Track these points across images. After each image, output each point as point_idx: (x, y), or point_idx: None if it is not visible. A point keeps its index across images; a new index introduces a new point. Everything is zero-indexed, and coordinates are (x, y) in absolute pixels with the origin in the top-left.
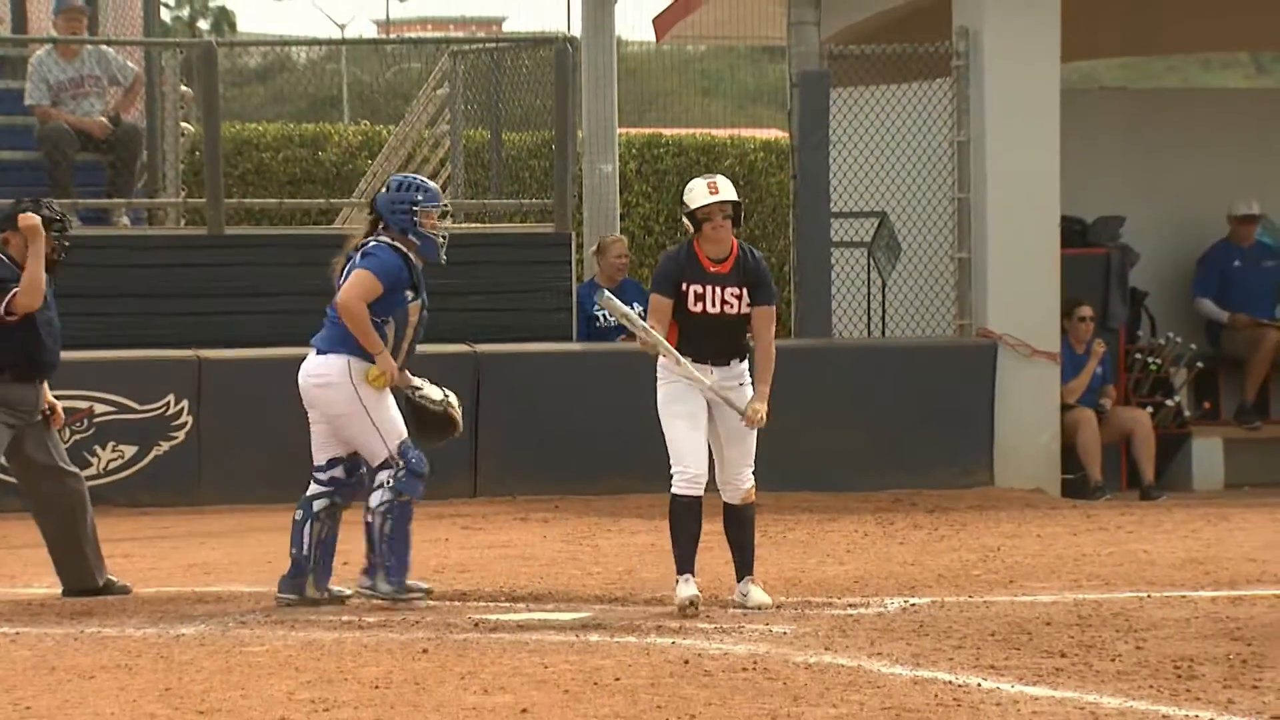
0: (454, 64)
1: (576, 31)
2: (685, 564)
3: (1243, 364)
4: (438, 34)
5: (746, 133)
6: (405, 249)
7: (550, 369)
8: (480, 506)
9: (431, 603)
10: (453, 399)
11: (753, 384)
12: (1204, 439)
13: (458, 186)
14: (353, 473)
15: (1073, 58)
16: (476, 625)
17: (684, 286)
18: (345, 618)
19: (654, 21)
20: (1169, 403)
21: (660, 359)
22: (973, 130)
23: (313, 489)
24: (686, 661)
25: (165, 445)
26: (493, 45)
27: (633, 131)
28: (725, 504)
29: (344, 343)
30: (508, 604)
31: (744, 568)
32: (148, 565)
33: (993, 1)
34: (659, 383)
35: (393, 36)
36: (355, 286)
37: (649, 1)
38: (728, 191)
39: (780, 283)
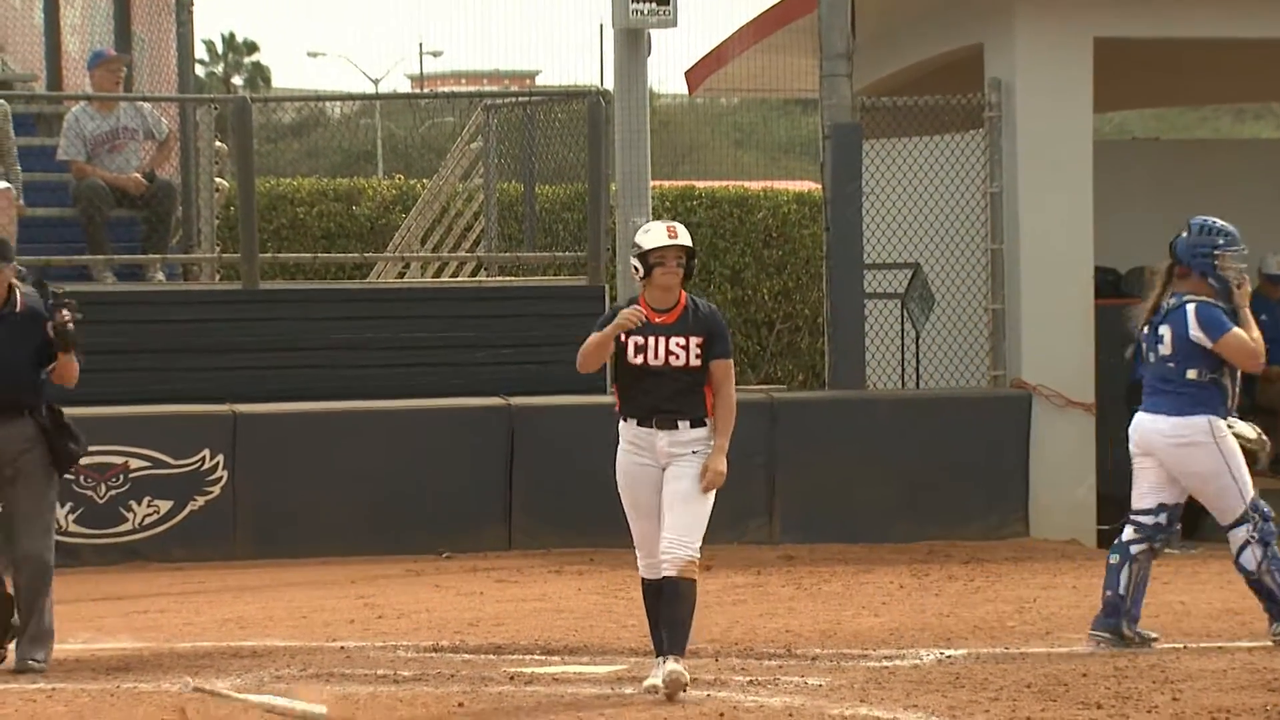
0: (488, 118)
1: (609, 85)
2: (657, 647)
3: (1277, 415)
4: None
5: (779, 185)
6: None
7: (584, 421)
8: (515, 559)
9: (466, 656)
10: (1259, 434)
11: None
12: None
13: (491, 240)
14: (1173, 520)
15: (1105, 109)
16: (511, 679)
17: (623, 338)
18: (380, 671)
19: (687, 74)
20: None
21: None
22: (1006, 181)
23: (1130, 533)
24: (722, 715)
25: (200, 500)
26: (526, 99)
27: (666, 184)
28: (664, 577)
29: (1203, 403)
30: (543, 657)
31: (672, 645)
32: (183, 620)
33: (1025, 53)
34: (618, 462)
35: (426, 91)
36: (1240, 347)
37: (682, 54)
38: (685, 238)
39: (814, 334)
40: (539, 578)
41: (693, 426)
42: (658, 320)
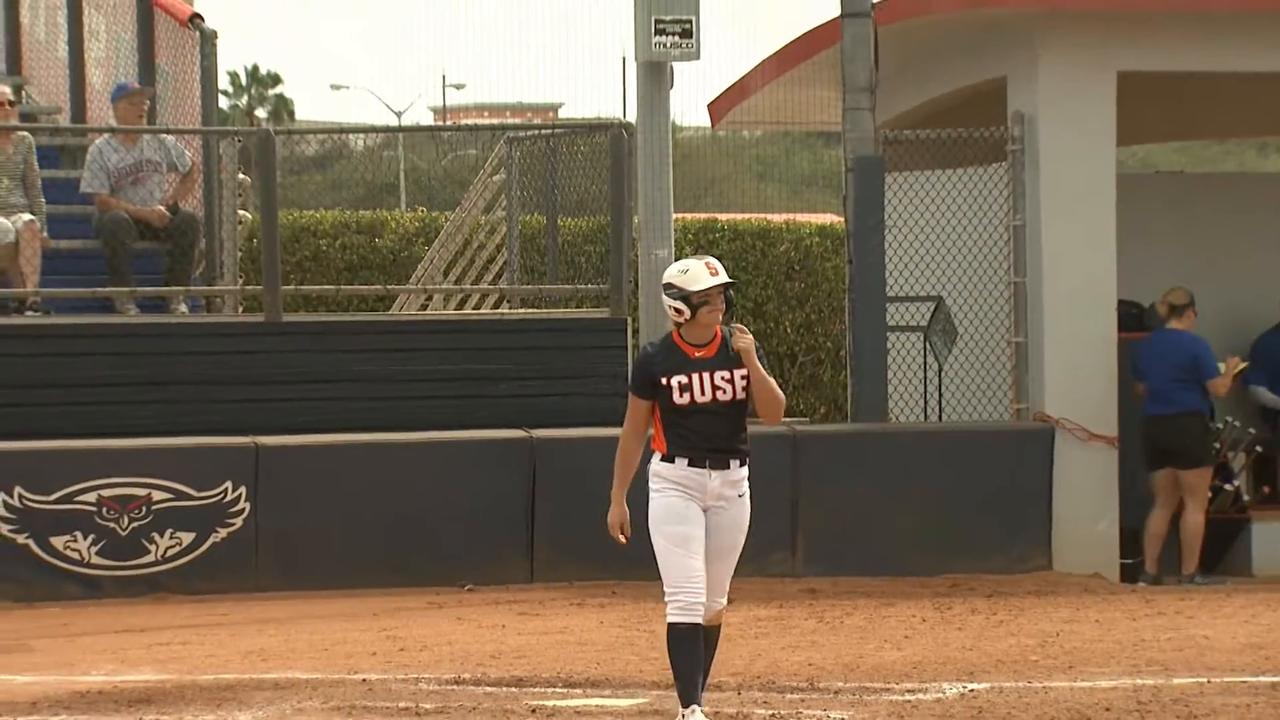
0: (510, 150)
1: (632, 117)
2: (690, 695)
3: None
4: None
5: (802, 218)
6: None
7: (605, 454)
8: (537, 592)
9: (488, 689)
10: None
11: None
12: (1264, 523)
13: (514, 272)
14: None
15: (1129, 142)
16: (534, 711)
17: (665, 381)
18: (402, 704)
19: (709, 107)
20: (1228, 487)
21: (652, 465)
22: (1029, 214)
23: None
24: None
25: (223, 532)
26: (548, 131)
27: (688, 217)
28: (696, 621)
29: None
30: (564, 690)
31: (702, 690)
32: (205, 652)
33: (1048, 86)
34: (652, 493)
35: (449, 124)
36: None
37: (704, 87)
38: (723, 273)
39: (836, 367)
40: (561, 610)
41: (740, 465)
42: (698, 355)
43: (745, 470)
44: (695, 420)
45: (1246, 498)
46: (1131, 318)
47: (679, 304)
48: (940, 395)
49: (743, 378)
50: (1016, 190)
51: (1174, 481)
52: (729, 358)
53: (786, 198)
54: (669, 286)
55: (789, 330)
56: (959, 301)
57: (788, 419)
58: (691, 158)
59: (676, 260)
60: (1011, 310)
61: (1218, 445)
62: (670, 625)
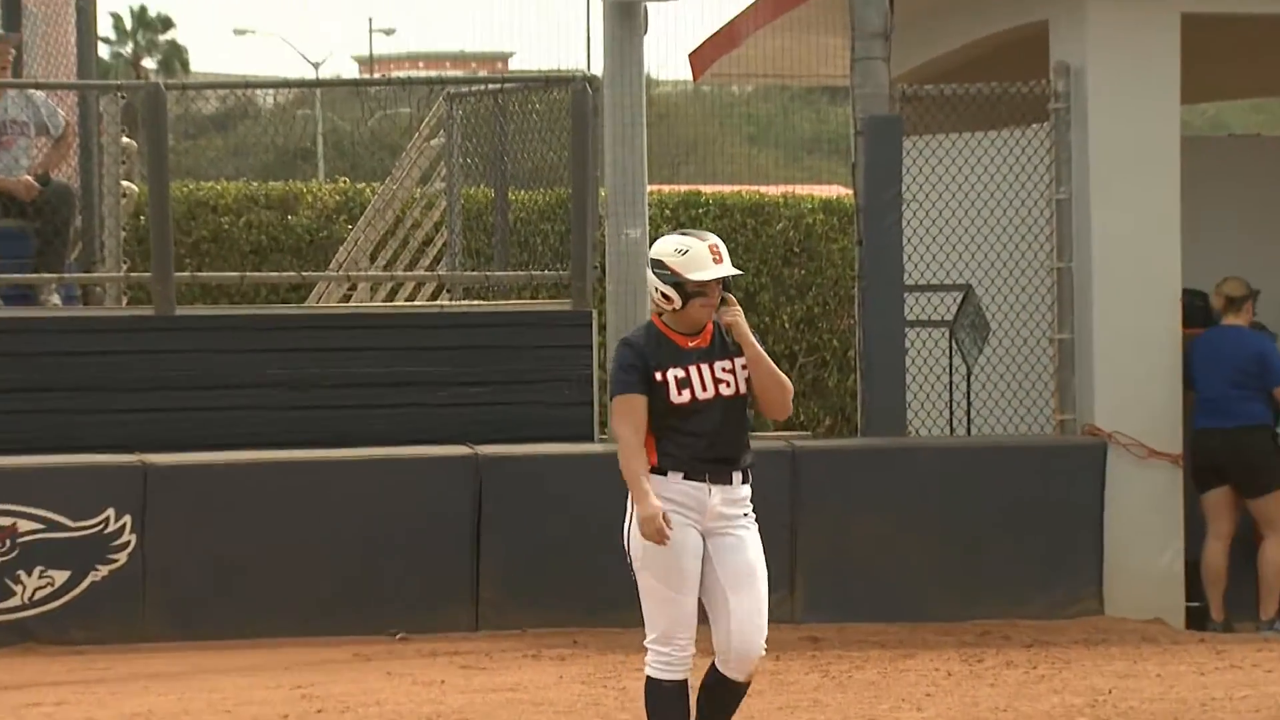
0: (451, 109)
1: (598, 69)
2: None
3: None
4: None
5: (802, 189)
6: None
7: (568, 475)
8: (483, 642)
9: None
10: None
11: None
12: None
13: (455, 256)
14: None
15: (1196, 99)
16: None
17: (659, 377)
18: None
19: (690, 57)
20: None
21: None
22: (1075, 186)
23: None
24: None
25: (103, 570)
26: (497, 87)
27: (665, 189)
28: (718, 677)
29: None
30: None
31: None
32: (83, 714)
33: (1099, 32)
34: (635, 518)
35: (377, 77)
36: None
37: (685, 33)
38: (728, 259)
39: (844, 370)
40: (512, 663)
41: (744, 480)
42: (691, 345)
43: (749, 490)
44: (695, 423)
45: None
46: (1198, 310)
47: (669, 290)
48: (969, 404)
49: (743, 367)
50: (1060, 157)
51: (1229, 503)
52: (726, 345)
53: (784, 166)
54: (659, 265)
55: (787, 326)
56: (991, 291)
57: (785, 432)
58: (670, 118)
59: (669, 235)
60: (1054, 302)
61: None
62: (650, 681)
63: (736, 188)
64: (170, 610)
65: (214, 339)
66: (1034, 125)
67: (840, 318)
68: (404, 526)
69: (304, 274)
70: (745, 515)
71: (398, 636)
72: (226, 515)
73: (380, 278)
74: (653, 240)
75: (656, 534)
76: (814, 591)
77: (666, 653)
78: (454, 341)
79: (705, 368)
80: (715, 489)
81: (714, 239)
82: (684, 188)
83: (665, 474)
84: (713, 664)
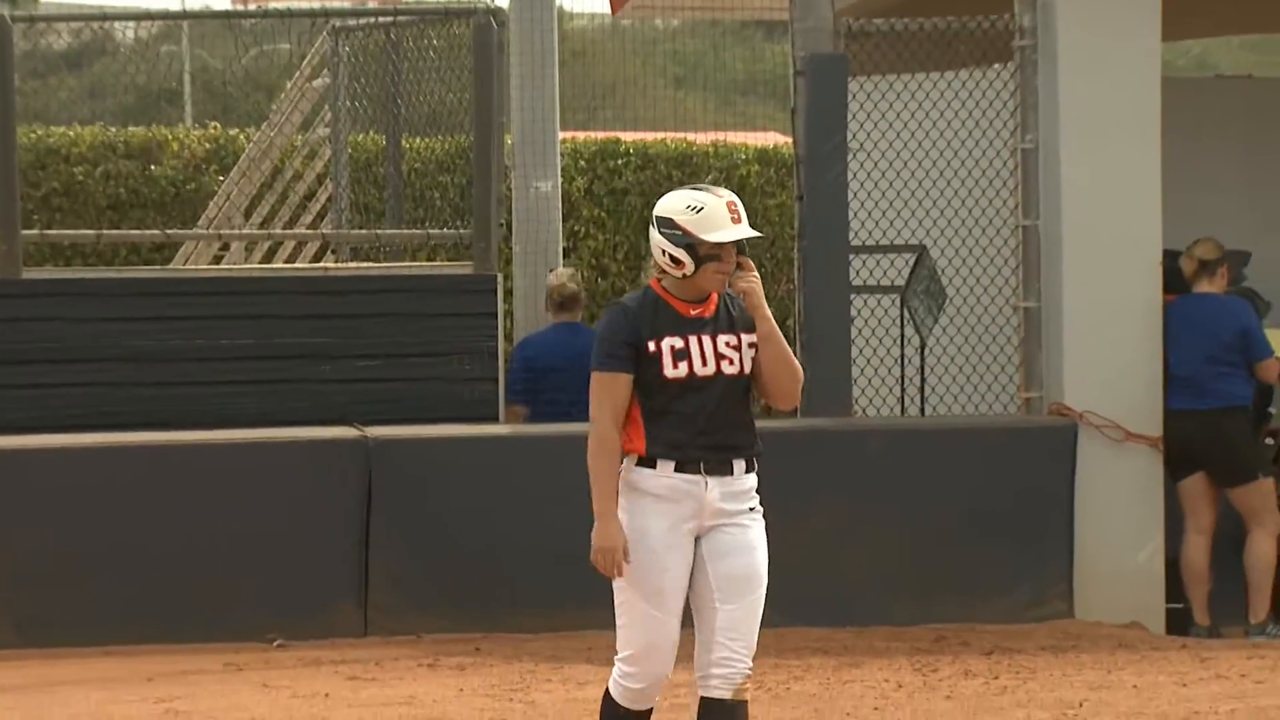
0: (336, 45)
1: (504, 1)
2: None
3: None
4: (314, 4)
5: (735, 137)
6: None
7: (469, 461)
8: (373, 649)
9: None
10: None
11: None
12: None
13: (341, 212)
14: None
15: (1179, 36)
16: None
17: (654, 346)
18: None
19: None
20: None
21: (620, 473)
22: (1042, 135)
23: None
24: None
25: None
26: (389, 20)
27: (580, 136)
28: (704, 700)
29: None
30: None
31: None
32: None
33: None
34: (632, 509)
35: (252, 9)
36: None
37: None
38: (746, 218)
39: None
40: (406, 673)
41: (747, 469)
42: (694, 313)
43: (752, 478)
44: (689, 402)
45: None
46: (1180, 275)
47: (680, 253)
48: (922, 380)
49: (751, 345)
50: (1026, 102)
51: (1207, 491)
52: (733, 317)
53: (714, 110)
54: (667, 224)
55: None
56: (949, 253)
57: None
58: (585, 56)
59: (679, 190)
60: (1019, 265)
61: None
62: (609, 702)
63: (661, 135)
64: (13, 615)
65: (66, 305)
66: (996, 65)
67: (778, 282)
68: (282, 519)
69: (169, 232)
70: (750, 510)
71: (275, 643)
72: (78, 506)
73: (256, 237)
74: (565, 195)
75: (610, 568)
76: None
77: (634, 675)
78: (340, 309)
79: (707, 339)
80: (713, 481)
81: (730, 195)
82: (601, 135)
83: (654, 464)
84: (700, 695)
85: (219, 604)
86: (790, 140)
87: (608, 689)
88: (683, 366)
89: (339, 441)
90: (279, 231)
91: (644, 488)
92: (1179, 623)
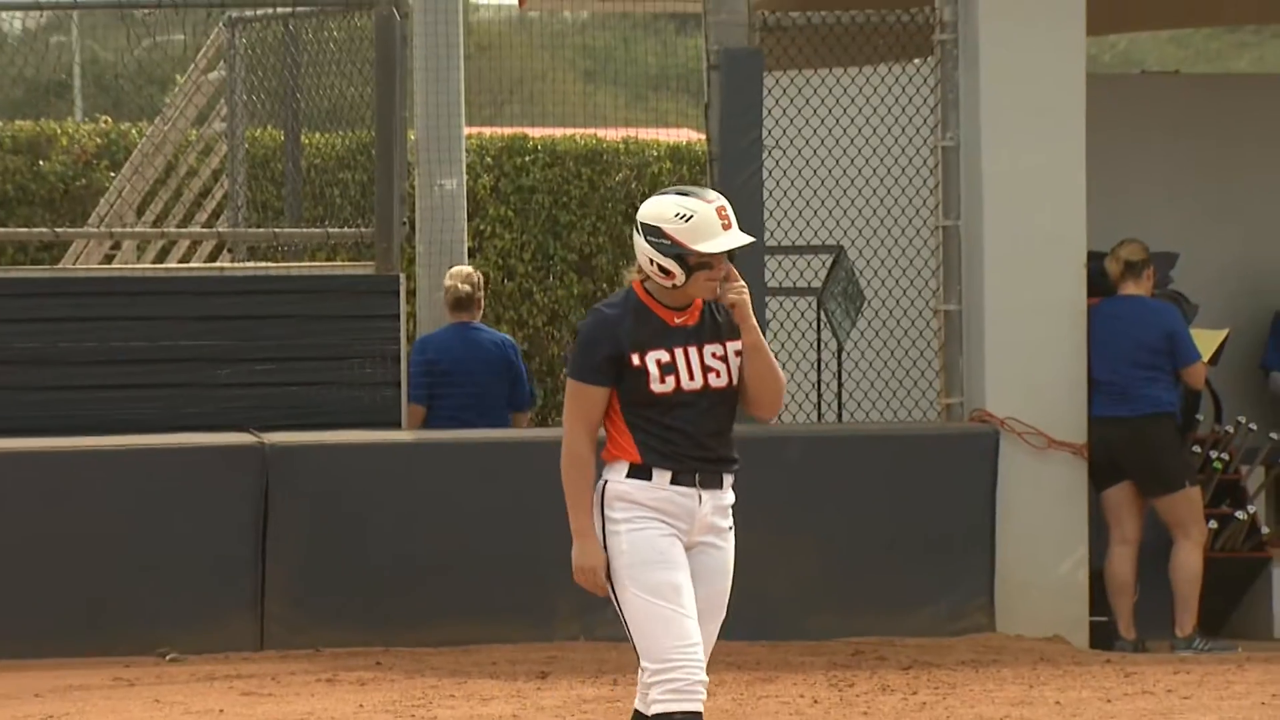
0: (233, 36)
1: None
2: None
3: None
4: None
5: (646, 134)
6: None
7: (370, 469)
8: (269, 664)
9: None
10: None
11: None
12: None
13: (238, 210)
14: None
15: (1104, 30)
16: None
17: (638, 359)
18: None
19: None
20: (1240, 515)
21: (611, 485)
22: (963, 132)
23: None
24: None
25: None
26: (288, 10)
27: (487, 132)
28: (653, 717)
29: None
30: None
31: None
32: None
33: None
34: (615, 526)
35: None
36: None
37: None
38: (737, 225)
39: None
40: (304, 688)
41: (732, 483)
42: (678, 322)
43: (733, 495)
44: (678, 417)
45: (1266, 530)
46: (1105, 277)
47: (669, 263)
48: (840, 385)
49: (737, 354)
50: (947, 98)
51: (1132, 501)
52: (718, 325)
53: (625, 106)
54: (655, 233)
55: None
56: (867, 254)
57: None
58: (491, 49)
59: (664, 194)
60: (939, 267)
61: (1225, 456)
62: (661, 719)
63: (570, 131)
64: None
65: None
66: (916, 60)
67: None
68: (176, 528)
69: (58, 230)
70: (729, 529)
71: (168, 657)
72: None
73: (149, 235)
74: (471, 194)
75: (595, 587)
76: None
77: (677, 679)
78: (236, 311)
79: (693, 351)
80: (705, 495)
81: (719, 199)
82: (508, 130)
83: (649, 476)
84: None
85: (109, 616)
86: (703, 137)
87: (654, 716)
88: (670, 381)
89: (235, 448)
90: (173, 230)
91: (639, 499)
92: (1103, 636)
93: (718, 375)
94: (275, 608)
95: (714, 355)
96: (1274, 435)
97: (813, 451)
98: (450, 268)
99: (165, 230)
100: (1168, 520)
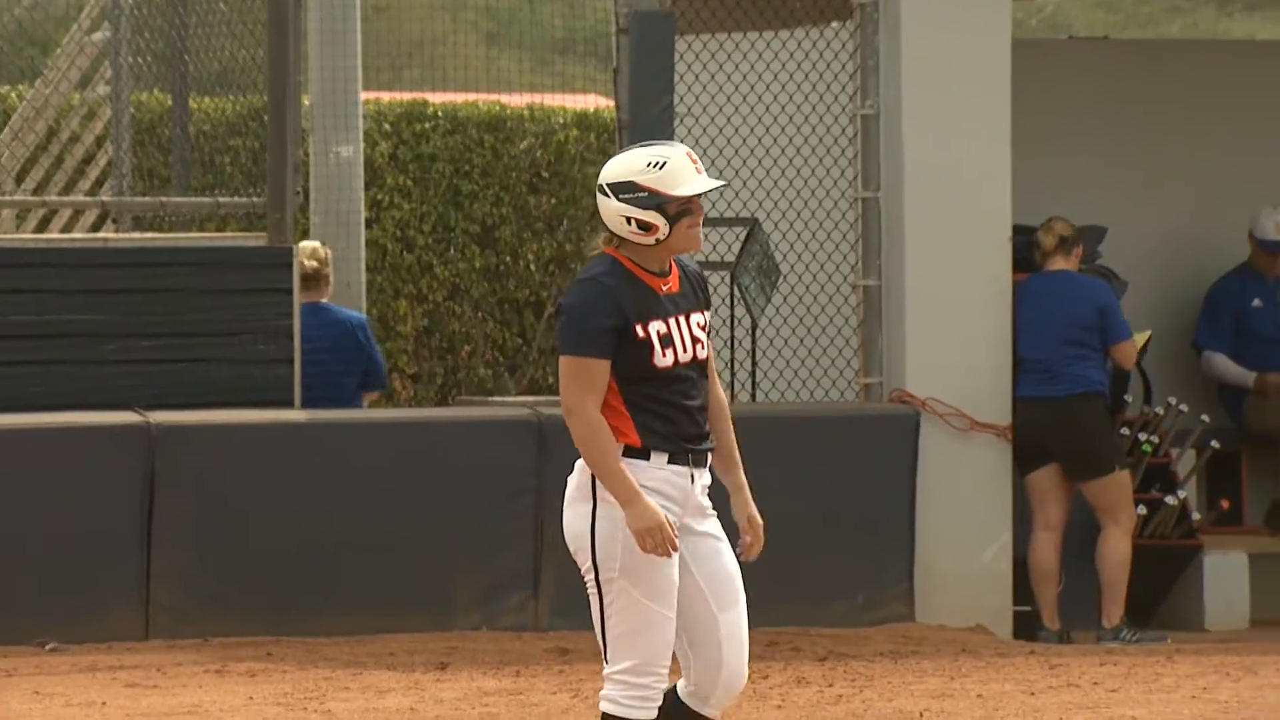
0: None
1: None
2: None
3: (1277, 444)
4: None
5: (552, 100)
6: None
7: (262, 450)
8: (155, 654)
9: None
10: None
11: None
12: (1221, 553)
13: (123, 177)
14: None
15: None
16: None
17: (640, 331)
18: None
19: None
20: (1170, 500)
21: (587, 478)
22: (883, 100)
23: None
24: None
25: None
26: None
27: (385, 97)
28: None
29: None
30: None
31: None
32: None
33: None
34: (609, 511)
35: None
36: None
37: None
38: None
39: None
40: (191, 679)
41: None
42: (665, 289)
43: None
44: (676, 391)
45: (1197, 516)
46: (1037, 252)
47: (650, 215)
48: (754, 363)
49: (703, 326)
50: (866, 64)
51: (1058, 485)
52: (695, 291)
53: (530, 71)
54: (628, 188)
55: (533, 267)
56: (783, 227)
57: (529, 397)
58: (390, 11)
59: (626, 151)
60: (858, 241)
61: (1155, 440)
62: None
63: (472, 96)
64: None
65: None
66: (834, 24)
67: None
68: (57, 512)
69: None
70: (713, 510)
71: (48, 647)
72: None
73: (29, 203)
74: (368, 162)
75: (664, 545)
76: (563, 592)
77: (643, 685)
78: (122, 283)
79: (683, 321)
80: (696, 474)
81: (683, 145)
82: (407, 96)
83: (648, 456)
84: (675, 699)
85: None
86: (612, 104)
87: (605, 715)
88: (670, 354)
89: (119, 428)
90: (54, 198)
91: (637, 481)
92: (1026, 626)
93: (701, 346)
94: (161, 595)
95: (699, 325)
96: (1205, 418)
97: None
98: (347, 239)
99: (46, 199)
100: (1095, 505)
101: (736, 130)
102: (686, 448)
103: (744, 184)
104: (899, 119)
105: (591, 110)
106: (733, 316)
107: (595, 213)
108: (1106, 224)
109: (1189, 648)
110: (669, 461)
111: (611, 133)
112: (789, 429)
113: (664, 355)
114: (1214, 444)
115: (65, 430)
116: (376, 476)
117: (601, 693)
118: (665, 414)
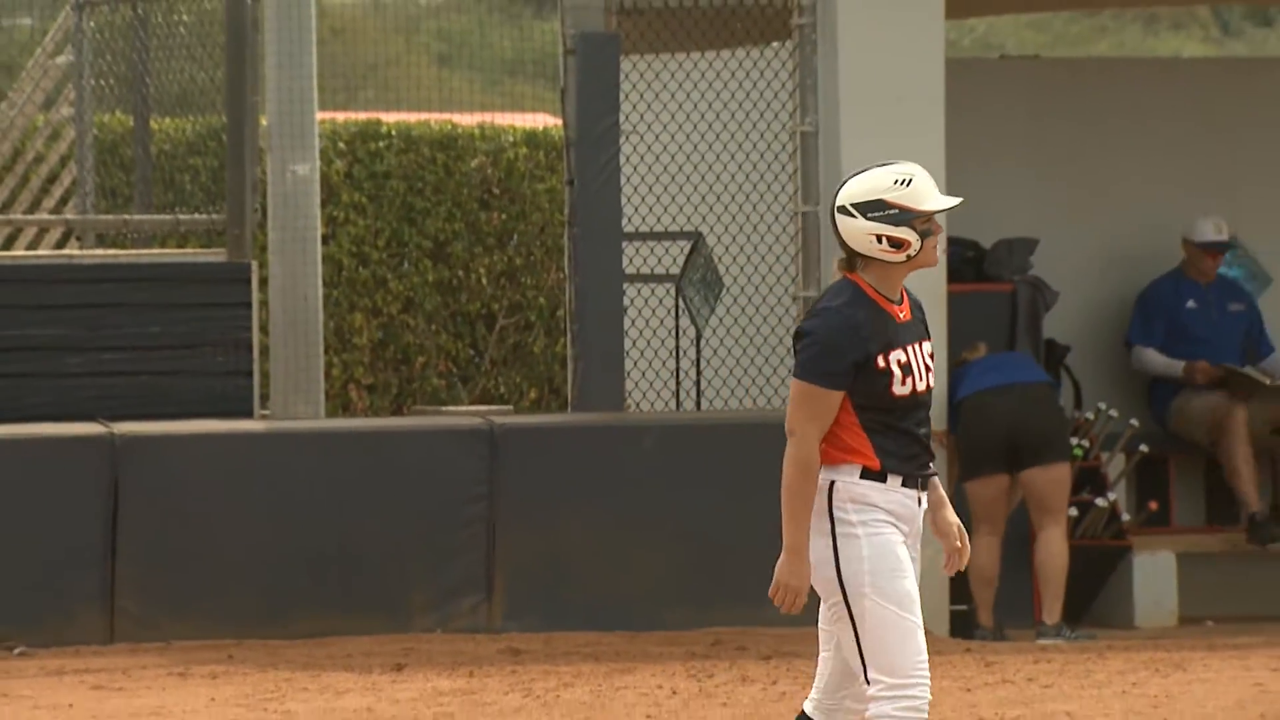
0: (80, 20)
1: None
2: None
3: (1202, 448)
4: None
5: (502, 119)
6: None
7: (222, 459)
8: (120, 657)
9: None
10: None
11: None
12: (1150, 554)
13: (86, 195)
14: None
15: (963, 14)
16: None
17: (881, 362)
18: None
19: None
20: (1101, 502)
21: (843, 486)
22: (822, 117)
23: None
24: None
25: None
26: None
27: (340, 117)
28: None
29: None
30: None
31: None
32: None
33: None
34: (853, 529)
35: None
36: None
37: None
38: None
39: (552, 333)
40: (155, 682)
41: None
42: (902, 317)
43: None
44: (911, 419)
45: (1126, 517)
46: (967, 263)
47: (902, 233)
48: (698, 373)
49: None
50: (805, 82)
51: (1004, 494)
52: (923, 319)
53: (480, 91)
54: (877, 206)
55: (484, 281)
56: (725, 241)
57: (481, 406)
58: (345, 34)
59: (868, 171)
60: (799, 254)
61: (1085, 444)
62: None
63: (424, 116)
64: None
65: None
66: (774, 44)
67: (547, 271)
68: (23, 520)
69: None
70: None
71: (16, 651)
72: None
73: None
74: (324, 179)
75: (792, 607)
76: (515, 595)
77: (915, 697)
78: (85, 298)
79: (918, 349)
80: (922, 498)
81: (915, 164)
82: (362, 116)
83: (885, 479)
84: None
85: None
86: (560, 122)
87: None
88: (909, 383)
89: (84, 439)
90: (19, 217)
91: (874, 501)
92: (962, 625)
93: (933, 375)
94: (125, 601)
95: (929, 353)
96: (1134, 421)
97: (670, 440)
98: (304, 255)
99: (11, 217)
100: (1038, 502)
101: (680, 147)
102: (917, 471)
103: (687, 199)
104: (837, 135)
105: (540, 129)
106: (678, 327)
107: (544, 228)
108: (1038, 236)
109: (1119, 644)
110: (902, 485)
111: (559, 150)
112: (733, 436)
113: (903, 384)
114: (1143, 448)
115: (31, 441)
116: (333, 484)
117: (869, 712)
118: (900, 440)
